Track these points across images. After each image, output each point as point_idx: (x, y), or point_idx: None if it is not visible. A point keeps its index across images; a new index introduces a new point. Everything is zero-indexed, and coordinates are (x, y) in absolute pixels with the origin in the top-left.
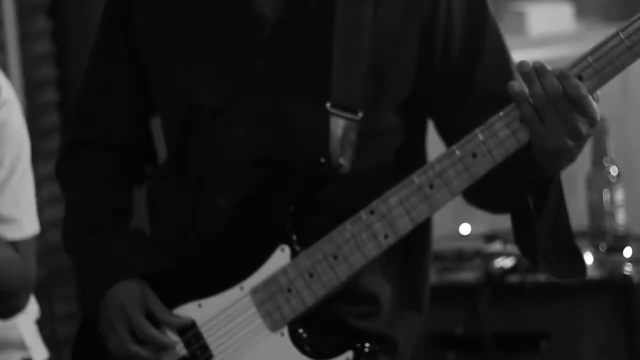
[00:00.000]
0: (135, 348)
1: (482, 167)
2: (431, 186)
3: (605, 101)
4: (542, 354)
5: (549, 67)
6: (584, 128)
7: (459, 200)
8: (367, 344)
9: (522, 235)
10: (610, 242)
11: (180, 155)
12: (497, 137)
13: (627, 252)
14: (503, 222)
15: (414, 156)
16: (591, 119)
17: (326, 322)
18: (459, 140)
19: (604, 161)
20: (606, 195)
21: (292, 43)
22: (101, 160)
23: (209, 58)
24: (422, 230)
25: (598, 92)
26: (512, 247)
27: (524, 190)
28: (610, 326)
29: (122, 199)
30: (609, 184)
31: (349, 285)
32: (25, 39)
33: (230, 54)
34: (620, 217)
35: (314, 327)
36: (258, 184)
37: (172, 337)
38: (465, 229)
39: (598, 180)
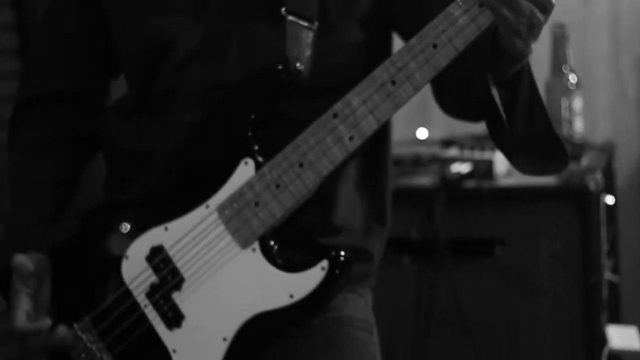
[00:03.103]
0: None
1: (443, 57)
2: (393, 82)
3: (565, 9)
4: (496, 259)
5: None
6: None
7: (417, 105)
8: (342, 252)
9: (498, 132)
10: (568, 150)
11: (145, 87)
12: (457, 25)
13: (584, 160)
14: (460, 127)
15: None
16: None
17: (299, 238)
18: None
19: (563, 69)
20: (564, 103)
21: None
22: (44, 126)
23: None
24: (384, 145)
25: None
26: (469, 153)
27: (493, 84)
28: (565, 233)
29: (56, 169)
30: (568, 92)
31: (321, 203)
32: None
33: None
34: (578, 125)
35: (287, 241)
36: (220, 100)
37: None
38: (422, 134)
39: (557, 87)
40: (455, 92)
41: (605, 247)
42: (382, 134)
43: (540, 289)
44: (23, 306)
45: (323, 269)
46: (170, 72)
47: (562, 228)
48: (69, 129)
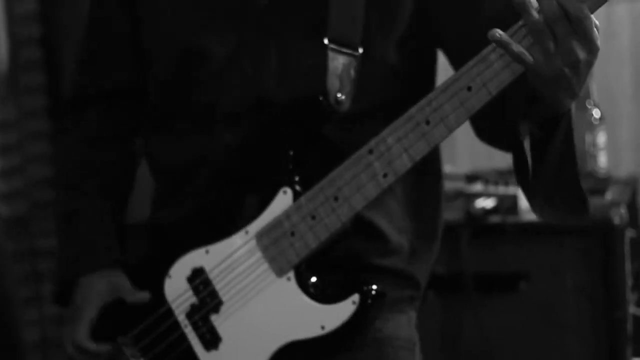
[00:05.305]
0: (70, 349)
1: (477, 100)
2: (428, 122)
3: None
4: (521, 294)
5: None
6: (581, 53)
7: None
8: (373, 286)
9: (523, 174)
10: (592, 185)
11: (176, 102)
12: (492, 69)
13: (608, 194)
14: (484, 162)
15: (421, 97)
16: (591, 44)
17: (341, 265)
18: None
19: (586, 103)
20: (588, 138)
21: None
22: (100, 124)
23: (211, 4)
24: (434, 163)
25: (598, 22)
26: (493, 188)
27: (528, 127)
28: (589, 268)
29: (112, 176)
30: (591, 127)
31: (368, 228)
32: None
33: None
34: (602, 160)
35: (324, 271)
36: (260, 123)
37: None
38: (446, 169)
39: (580, 122)
40: (488, 127)
41: (629, 281)
42: (432, 155)
43: (565, 323)
44: (89, 321)
45: (354, 302)
46: (206, 84)
47: (586, 263)
48: (124, 127)
